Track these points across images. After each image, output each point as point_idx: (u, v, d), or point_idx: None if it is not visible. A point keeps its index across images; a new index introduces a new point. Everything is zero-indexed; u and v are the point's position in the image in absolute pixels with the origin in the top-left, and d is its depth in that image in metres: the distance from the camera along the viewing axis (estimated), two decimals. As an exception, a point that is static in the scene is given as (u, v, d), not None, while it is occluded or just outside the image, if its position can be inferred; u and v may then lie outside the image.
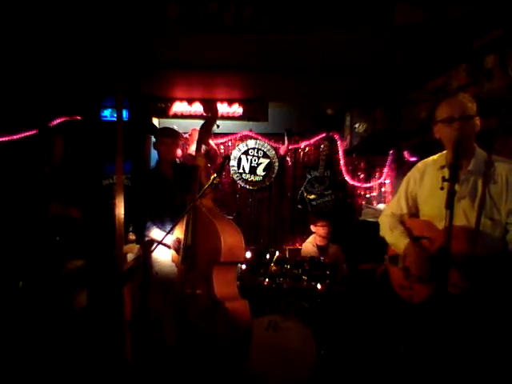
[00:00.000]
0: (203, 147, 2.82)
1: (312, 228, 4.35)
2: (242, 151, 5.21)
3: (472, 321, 1.90)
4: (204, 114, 4.68)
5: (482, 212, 1.94)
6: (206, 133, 2.84)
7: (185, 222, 2.63)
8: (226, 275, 2.56)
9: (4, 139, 4.46)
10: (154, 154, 4.73)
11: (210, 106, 3.27)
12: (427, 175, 2.19)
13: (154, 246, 2.35)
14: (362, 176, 5.26)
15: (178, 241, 2.73)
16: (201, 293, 2.52)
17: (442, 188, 1.75)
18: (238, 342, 2.43)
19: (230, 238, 2.51)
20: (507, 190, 1.95)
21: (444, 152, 2.15)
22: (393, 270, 2.26)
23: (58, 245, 2.91)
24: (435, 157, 2.21)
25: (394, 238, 2.23)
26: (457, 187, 1.95)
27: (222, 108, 4.66)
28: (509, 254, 1.91)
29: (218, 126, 2.85)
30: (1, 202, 2.95)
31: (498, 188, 1.97)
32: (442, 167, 2.07)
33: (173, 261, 2.82)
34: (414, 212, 2.26)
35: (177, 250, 2.74)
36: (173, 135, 3.22)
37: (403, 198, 2.28)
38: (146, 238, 3.09)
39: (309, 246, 4.36)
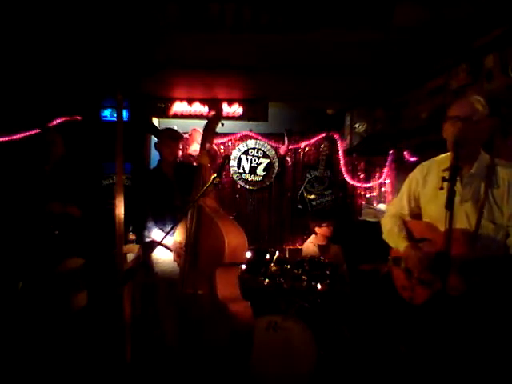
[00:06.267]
0: (207, 145, 2.81)
1: (317, 230, 4.34)
2: (242, 151, 5.21)
3: (472, 323, 1.90)
4: (204, 114, 4.68)
5: (483, 215, 1.94)
6: (210, 131, 2.83)
7: (187, 221, 2.63)
8: (228, 276, 2.55)
9: (4, 139, 4.46)
10: (154, 154, 4.74)
11: (214, 104, 3.27)
12: (430, 176, 2.18)
13: (155, 247, 2.34)
14: (362, 176, 5.25)
15: (179, 244, 2.72)
16: (203, 293, 2.50)
17: (441, 188, 1.74)
18: (240, 344, 2.42)
19: (234, 240, 2.50)
20: (509, 194, 1.95)
21: (448, 154, 2.13)
22: (396, 271, 2.26)
23: (56, 239, 2.91)
24: (439, 158, 2.19)
25: (393, 240, 2.23)
26: (460, 190, 1.96)
27: (222, 108, 4.66)
28: (510, 257, 1.91)
29: (222, 125, 2.85)
30: (1, 200, 2.95)
31: (501, 192, 1.96)
32: (446, 169, 2.04)
33: (174, 260, 2.81)
34: (416, 212, 2.25)
35: (178, 253, 2.72)
36: (176, 137, 3.24)
37: (405, 198, 2.28)
38: (147, 239, 3.08)
39: (310, 245, 4.37)
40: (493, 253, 1.91)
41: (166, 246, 2.83)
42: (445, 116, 2.08)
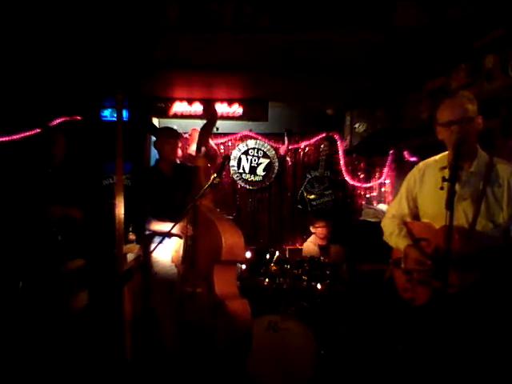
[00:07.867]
0: (203, 148, 2.83)
1: (311, 229, 4.36)
2: (242, 151, 5.22)
3: (469, 321, 1.90)
4: (204, 115, 4.68)
5: (482, 214, 1.93)
6: (205, 134, 2.85)
7: (185, 222, 2.64)
8: (226, 274, 2.57)
9: (4, 139, 4.46)
10: (154, 154, 4.74)
11: (208, 108, 3.27)
12: (428, 175, 2.18)
13: (159, 240, 2.32)
14: (362, 176, 5.26)
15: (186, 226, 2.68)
16: (201, 292, 2.53)
17: (441, 188, 1.74)
18: (238, 342, 2.43)
19: (231, 237, 2.52)
20: (508, 193, 1.94)
21: (446, 152, 2.13)
22: (397, 274, 2.25)
23: (59, 244, 2.91)
24: (437, 157, 2.19)
25: (394, 241, 2.23)
26: (459, 188, 1.95)
27: (222, 108, 4.65)
28: (507, 253, 1.91)
29: (217, 129, 2.86)
30: (2, 202, 2.95)
31: (501, 191, 1.96)
32: (444, 168, 2.04)
33: (172, 261, 2.82)
34: (415, 212, 2.24)
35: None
36: (175, 135, 3.24)
37: (404, 198, 2.27)
38: (147, 232, 3.07)
39: (310, 245, 4.37)
40: (491, 251, 1.90)
41: (172, 233, 2.72)
42: (435, 120, 2.08)
